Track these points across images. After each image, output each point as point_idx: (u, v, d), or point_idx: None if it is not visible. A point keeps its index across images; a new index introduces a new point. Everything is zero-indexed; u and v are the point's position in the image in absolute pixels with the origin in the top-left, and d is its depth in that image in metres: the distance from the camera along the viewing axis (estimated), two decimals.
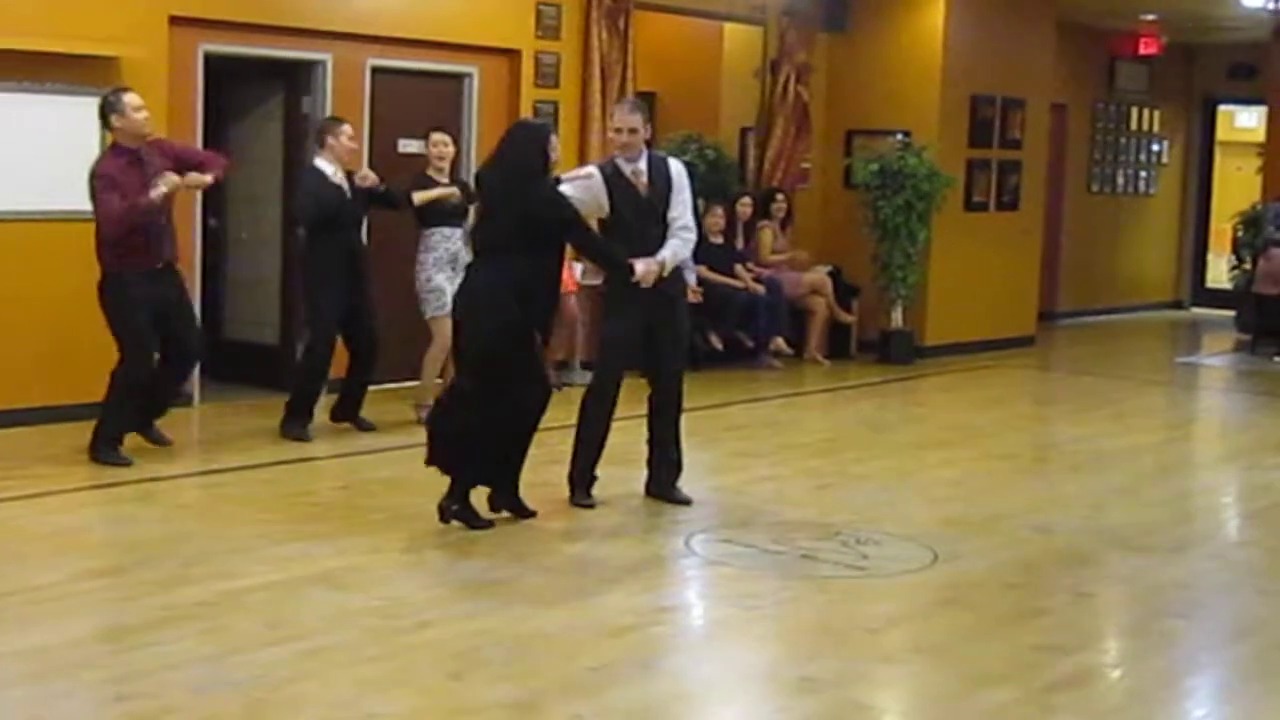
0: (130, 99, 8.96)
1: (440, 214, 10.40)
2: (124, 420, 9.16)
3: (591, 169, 8.60)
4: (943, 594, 7.14)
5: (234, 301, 12.07)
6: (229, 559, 7.22)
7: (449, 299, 10.32)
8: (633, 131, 8.35)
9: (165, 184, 8.80)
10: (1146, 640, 6.77)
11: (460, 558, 7.39)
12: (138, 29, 10.19)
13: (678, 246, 8.37)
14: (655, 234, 8.29)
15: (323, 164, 9.91)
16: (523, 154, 7.90)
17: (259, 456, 9.46)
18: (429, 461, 7.94)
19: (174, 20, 10.44)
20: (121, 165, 8.86)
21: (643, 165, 8.40)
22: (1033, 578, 7.51)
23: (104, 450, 9.05)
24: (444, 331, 10.41)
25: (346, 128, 10.06)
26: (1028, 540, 8.18)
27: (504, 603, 6.72)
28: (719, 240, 13.80)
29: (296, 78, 11.52)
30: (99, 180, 8.85)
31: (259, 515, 8.08)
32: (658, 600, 6.97)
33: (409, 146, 11.82)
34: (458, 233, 10.41)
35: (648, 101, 15.02)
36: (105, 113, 9.00)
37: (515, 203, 7.76)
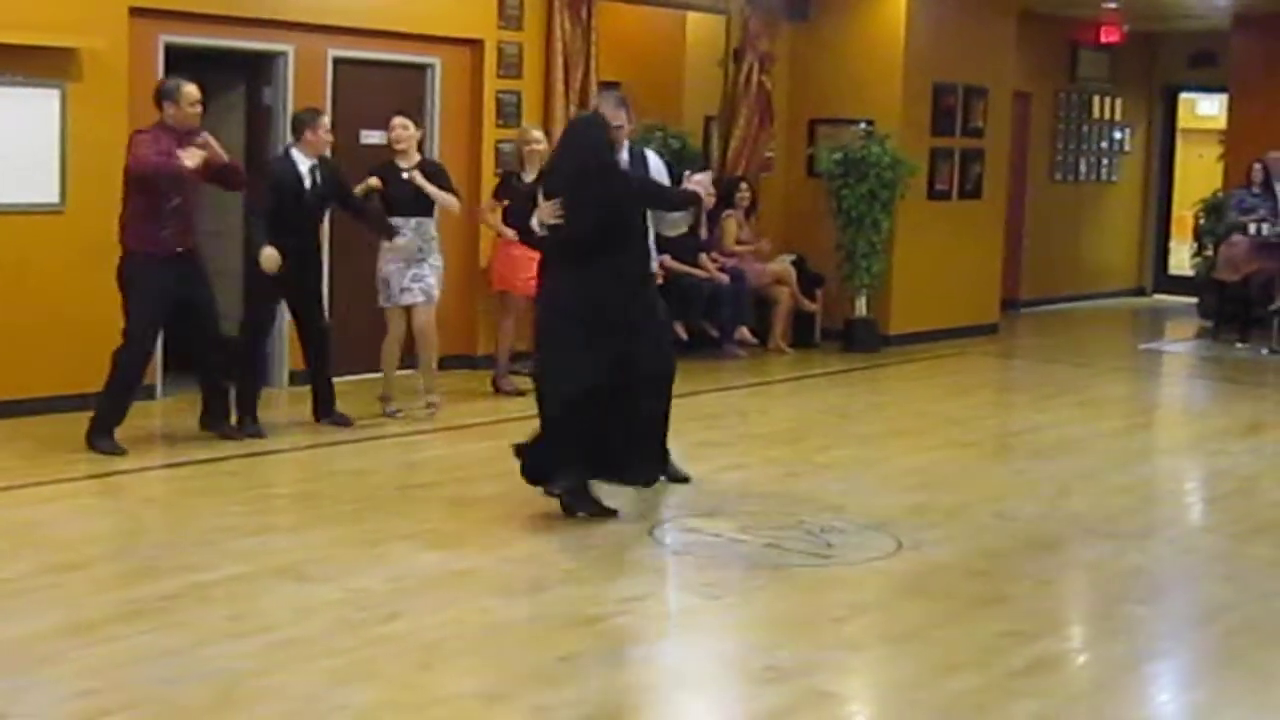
0: (189, 91, 9.16)
1: (397, 203, 10.36)
2: (116, 409, 9.15)
3: None
4: (907, 582, 7.17)
5: None
6: (194, 552, 7.21)
7: (396, 289, 10.34)
8: (618, 127, 8.36)
9: (194, 154, 9.02)
10: (1110, 626, 6.81)
11: (427, 549, 7.39)
12: (98, 20, 10.14)
13: (678, 217, 8.66)
14: (638, 224, 8.33)
15: (297, 155, 9.86)
16: (594, 152, 8.05)
17: (223, 449, 9.40)
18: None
19: (134, 11, 10.38)
20: (161, 135, 9.05)
21: (625, 157, 8.45)
22: (997, 565, 7.54)
23: (98, 438, 9.07)
24: (394, 320, 10.42)
25: (324, 120, 10.02)
26: (992, 527, 8.22)
27: (471, 594, 6.73)
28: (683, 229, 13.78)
29: (258, 69, 11.49)
30: (139, 135, 9.08)
31: (224, 508, 8.06)
32: (624, 590, 6.98)
33: (371, 138, 11.78)
34: (412, 221, 10.33)
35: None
36: (160, 97, 9.16)
37: (600, 199, 7.94)
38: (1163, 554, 8.05)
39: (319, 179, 9.86)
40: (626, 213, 8.06)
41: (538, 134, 11.64)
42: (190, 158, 8.98)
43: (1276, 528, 8.54)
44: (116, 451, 9.04)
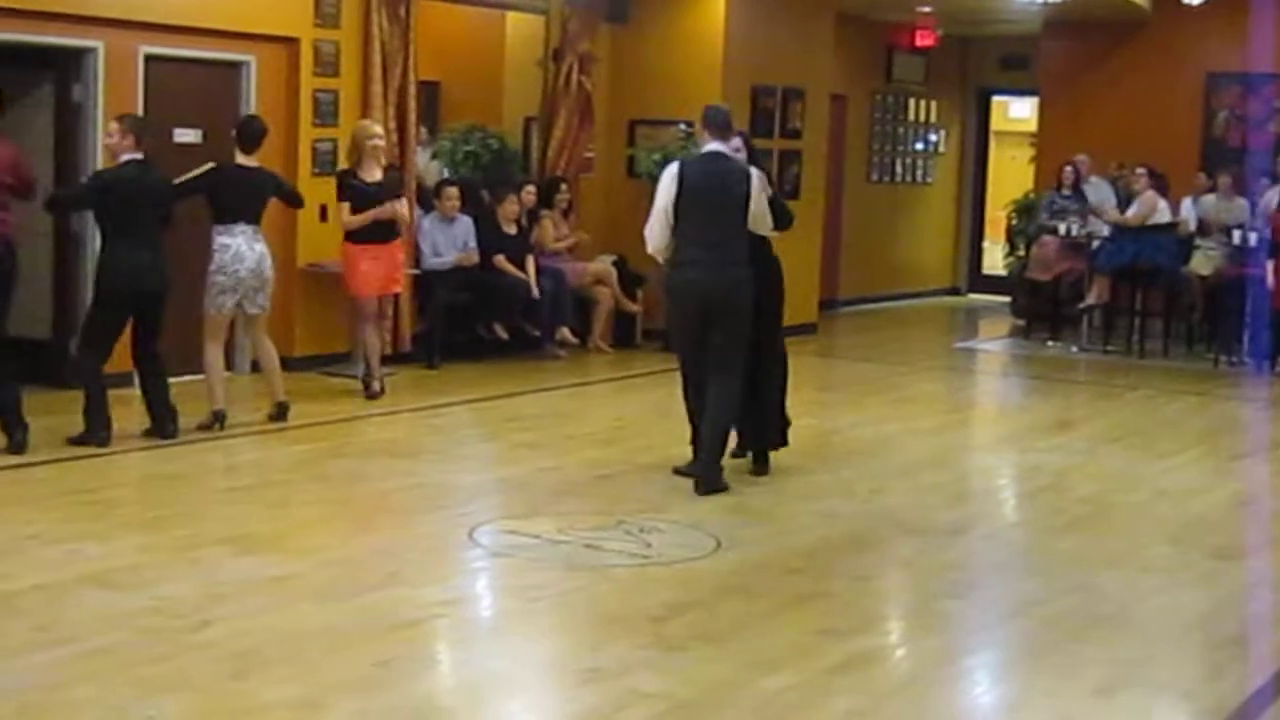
0: None
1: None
2: None
3: None
4: (726, 581, 7.21)
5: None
6: None
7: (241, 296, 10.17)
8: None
9: None
10: (925, 621, 6.92)
11: (241, 554, 7.27)
12: None
13: None
14: None
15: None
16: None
17: (34, 454, 9.17)
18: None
19: None
20: None
21: None
22: (814, 562, 7.62)
23: None
24: (224, 326, 10.25)
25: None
26: (809, 526, 8.29)
27: (285, 600, 6.63)
28: (513, 230, 13.76)
29: (67, 65, 11.21)
30: None
31: (31, 515, 7.86)
32: (441, 593, 6.93)
33: (185, 136, 11.58)
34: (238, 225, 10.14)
35: (431, 91, 14.97)
36: None
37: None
38: (976, 549, 8.19)
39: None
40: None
41: (377, 130, 11.52)
42: None
43: (1085, 522, 8.73)
44: None
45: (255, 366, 11.13)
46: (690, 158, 8.85)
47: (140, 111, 10.86)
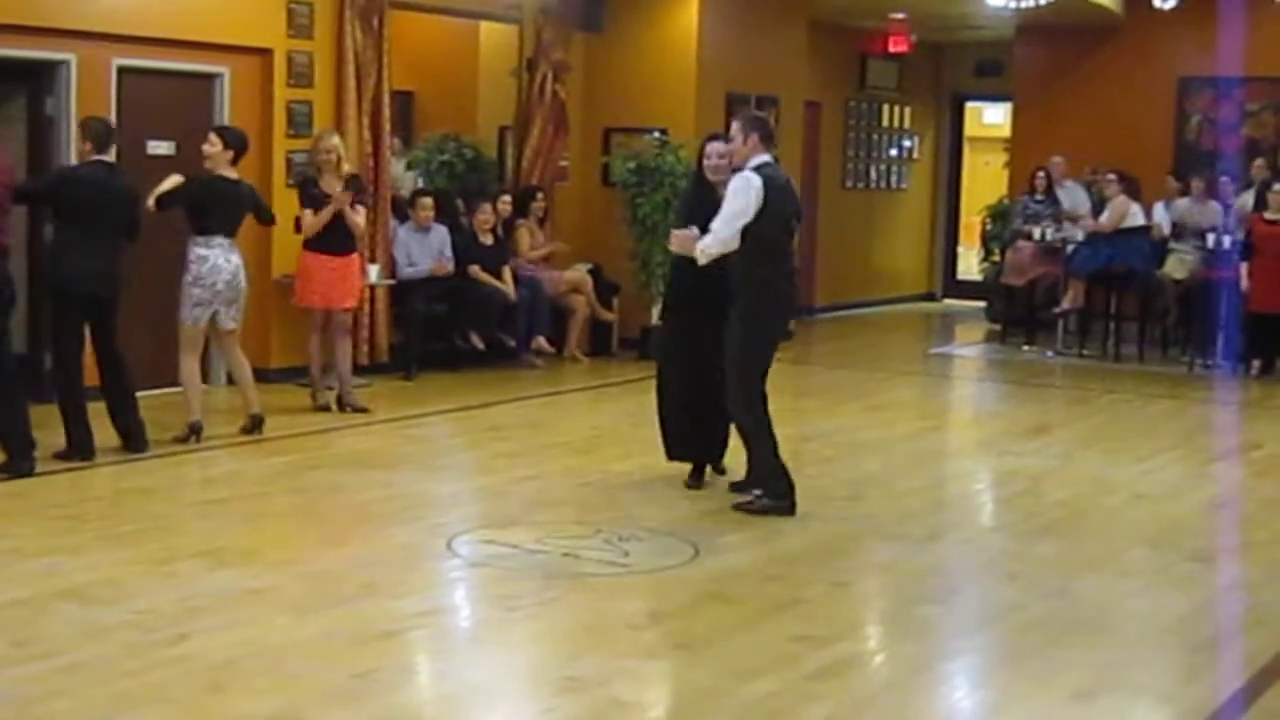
0: None
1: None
2: None
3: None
4: (704, 588, 7.20)
5: None
6: None
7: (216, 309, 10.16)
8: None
9: None
10: (903, 627, 6.92)
11: (217, 567, 7.25)
12: None
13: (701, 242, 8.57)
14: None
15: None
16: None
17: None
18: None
19: None
20: None
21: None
22: (792, 569, 7.62)
23: None
24: (199, 338, 10.22)
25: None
26: (787, 532, 8.29)
27: (262, 612, 6.62)
28: (490, 240, 13.76)
29: (39, 78, 11.17)
30: None
31: (7, 530, 7.82)
32: (419, 604, 6.92)
33: (158, 149, 11.56)
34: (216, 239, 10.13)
35: (405, 101, 14.95)
36: None
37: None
38: (953, 555, 8.20)
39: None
40: None
41: (334, 142, 11.47)
42: None
43: (1062, 527, 8.75)
44: None
45: (230, 379, 11.10)
46: (763, 170, 8.58)
47: (113, 124, 10.82)
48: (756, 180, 8.45)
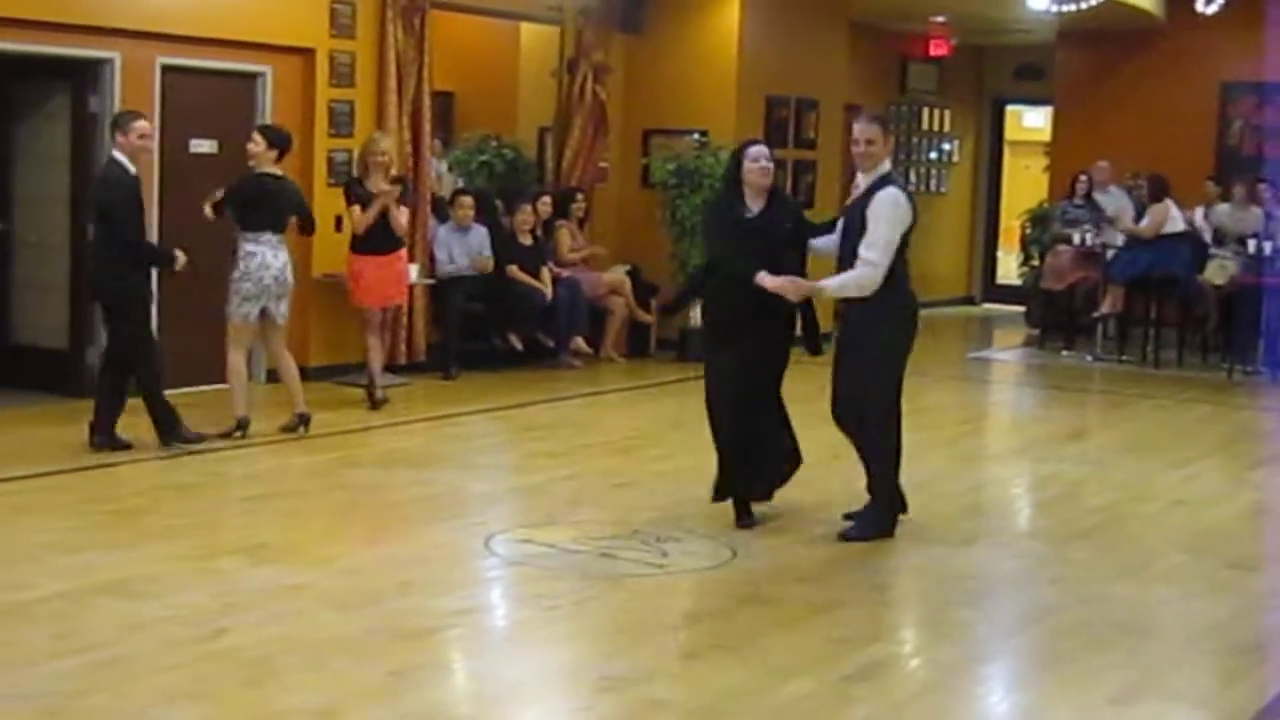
0: None
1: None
2: None
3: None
4: (741, 590, 7.21)
5: (23, 305, 11.76)
6: (16, 569, 7.04)
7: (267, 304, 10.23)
8: (869, 142, 8.16)
9: None
10: (940, 630, 6.91)
11: (257, 563, 7.29)
12: None
13: (844, 278, 8.25)
14: (845, 253, 8.27)
15: (120, 157, 9.59)
16: None
17: (50, 464, 9.20)
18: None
19: None
20: None
21: (861, 181, 8.35)
22: (829, 571, 7.62)
23: None
24: (248, 335, 10.28)
25: (139, 125, 9.69)
26: (824, 534, 8.28)
27: (301, 609, 6.65)
28: (529, 241, 13.79)
29: (84, 76, 11.24)
30: None
31: (49, 524, 7.89)
32: (457, 602, 6.93)
33: (201, 147, 11.63)
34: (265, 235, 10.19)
35: (445, 101, 14.99)
36: None
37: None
38: (991, 558, 8.17)
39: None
40: None
41: (385, 145, 11.53)
42: None
43: (1100, 532, 8.72)
44: None
45: (272, 376, 11.15)
46: (895, 181, 8.18)
47: (157, 122, 10.87)
48: (904, 199, 8.13)
